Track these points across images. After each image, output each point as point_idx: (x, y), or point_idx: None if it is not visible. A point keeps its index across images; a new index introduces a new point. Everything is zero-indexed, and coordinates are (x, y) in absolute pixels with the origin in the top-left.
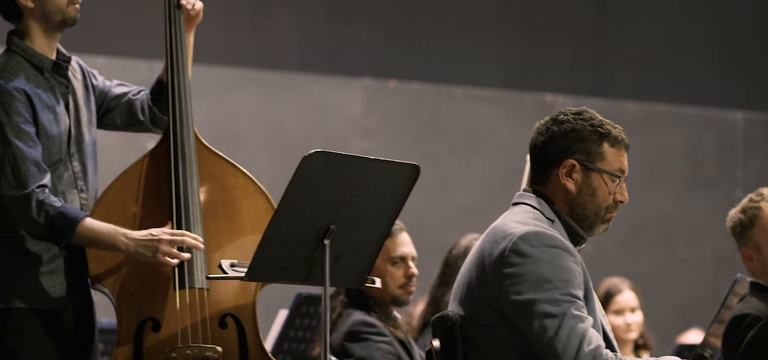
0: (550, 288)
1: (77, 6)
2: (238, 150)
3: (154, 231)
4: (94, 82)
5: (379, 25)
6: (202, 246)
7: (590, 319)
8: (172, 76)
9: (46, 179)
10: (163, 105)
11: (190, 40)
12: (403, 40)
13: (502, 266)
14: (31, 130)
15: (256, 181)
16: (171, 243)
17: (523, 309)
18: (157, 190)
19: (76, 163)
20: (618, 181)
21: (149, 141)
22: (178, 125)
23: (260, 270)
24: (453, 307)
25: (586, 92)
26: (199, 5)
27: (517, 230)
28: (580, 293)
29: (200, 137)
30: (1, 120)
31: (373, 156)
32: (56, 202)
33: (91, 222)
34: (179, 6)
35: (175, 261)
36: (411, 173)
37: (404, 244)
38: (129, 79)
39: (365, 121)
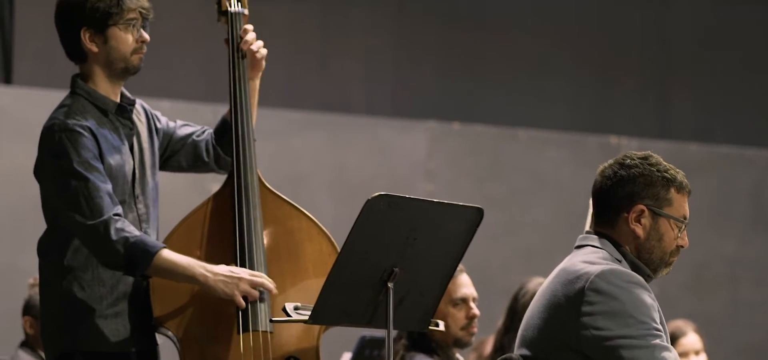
0: (634, 323)
1: (141, 55)
2: (302, 193)
3: (234, 269)
4: (158, 124)
5: (444, 68)
6: (275, 290)
7: (674, 351)
8: (236, 119)
9: (120, 210)
10: (227, 145)
11: (256, 85)
12: (467, 82)
13: (581, 305)
14: (100, 166)
15: (320, 224)
16: (251, 283)
17: (610, 346)
18: (221, 234)
19: (140, 206)
20: (682, 226)
21: (213, 184)
22: (241, 168)
23: (324, 313)
24: (520, 351)
25: (651, 134)
26: (263, 51)
27: (593, 269)
28: (661, 327)
29: (264, 180)
30: (71, 157)
31: (436, 198)
32: (135, 230)
33: (169, 252)
34: (244, 52)
35: (242, 302)
36: (474, 216)
37: (465, 285)
38: (194, 122)
39: (429, 163)
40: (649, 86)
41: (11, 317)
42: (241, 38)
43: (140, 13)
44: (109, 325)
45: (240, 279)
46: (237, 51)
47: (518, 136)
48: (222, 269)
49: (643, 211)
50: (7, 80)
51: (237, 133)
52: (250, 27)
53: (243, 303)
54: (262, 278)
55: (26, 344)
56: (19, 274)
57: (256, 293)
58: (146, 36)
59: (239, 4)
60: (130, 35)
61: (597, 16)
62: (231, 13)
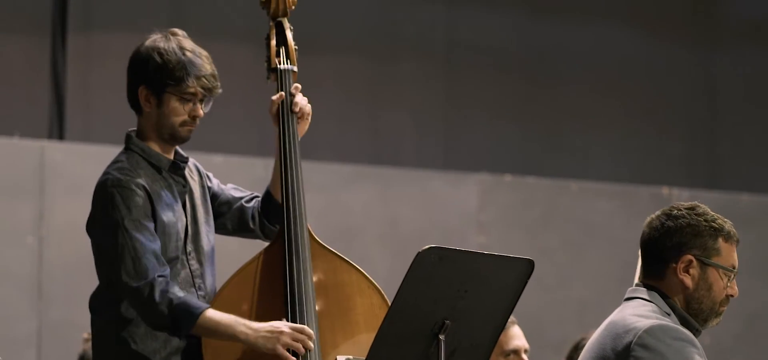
0: None
1: (191, 128)
2: (354, 246)
3: (275, 323)
4: (209, 184)
5: (495, 121)
6: (312, 345)
7: None
8: (285, 174)
9: (167, 271)
10: (273, 217)
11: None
12: (517, 134)
13: None
14: (151, 225)
15: (370, 278)
16: (292, 336)
17: None
18: (272, 288)
19: (193, 262)
20: (731, 276)
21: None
22: (291, 223)
23: None
24: None
25: (702, 185)
26: (307, 108)
27: (641, 324)
28: None
29: (313, 234)
30: (122, 213)
31: (489, 251)
32: (179, 291)
33: (212, 312)
34: (292, 109)
35: (291, 355)
36: (526, 268)
37: (516, 337)
38: (245, 177)
39: (481, 215)
40: (698, 136)
41: None
42: (292, 96)
43: (203, 89)
44: None
45: (281, 332)
46: (286, 108)
47: (570, 188)
48: (263, 326)
49: (691, 262)
50: (61, 136)
51: (287, 188)
52: (298, 87)
53: (289, 356)
54: (304, 329)
55: None
56: (74, 329)
57: (300, 346)
58: (201, 112)
59: (288, 61)
60: (184, 107)
61: (646, 67)
62: (280, 71)
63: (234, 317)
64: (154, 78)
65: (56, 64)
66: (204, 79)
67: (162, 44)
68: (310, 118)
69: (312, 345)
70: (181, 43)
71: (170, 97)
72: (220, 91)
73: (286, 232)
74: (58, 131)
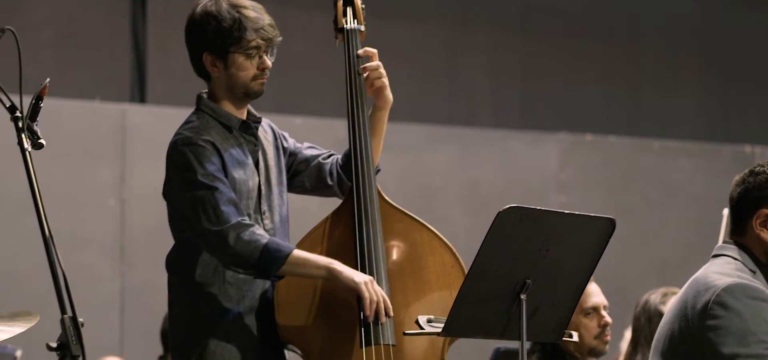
0: (755, 342)
1: (263, 81)
2: (434, 207)
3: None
4: (285, 144)
5: (574, 80)
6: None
7: None
8: (353, 134)
9: (247, 219)
10: (351, 172)
11: (382, 117)
12: (598, 93)
13: (706, 318)
14: (224, 178)
15: (441, 236)
16: (380, 295)
17: None
18: (342, 250)
19: (267, 221)
20: None
21: None
22: (361, 184)
23: (457, 325)
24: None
25: None
26: (380, 83)
27: (721, 282)
28: None
29: (383, 195)
30: (196, 170)
31: (569, 210)
32: (264, 233)
33: (300, 251)
34: (358, 71)
35: (367, 292)
36: (607, 227)
37: (595, 294)
38: (326, 138)
39: (561, 175)
40: None
41: (151, 334)
42: (358, 56)
43: (265, 41)
44: (236, 340)
45: (372, 282)
46: (353, 68)
47: (651, 147)
48: (354, 270)
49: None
50: (142, 99)
51: (355, 147)
52: (374, 52)
53: (366, 294)
54: (387, 303)
55: (164, 358)
56: (156, 290)
57: (380, 306)
58: (268, 62)
59: (355, 21)
60: (251, 62)
61: (729, 25)
62: (347, 31)
63: (325, 258)
64: (215, 43)
65: (136, 27)
66: (263, 30)
67: (213, 8)
68: (384, 80)
69: (385, 319)
70: (230, 0)
71: (235, 56)
72: (280, 38)
73: (355, 193)
74: (138, 94)
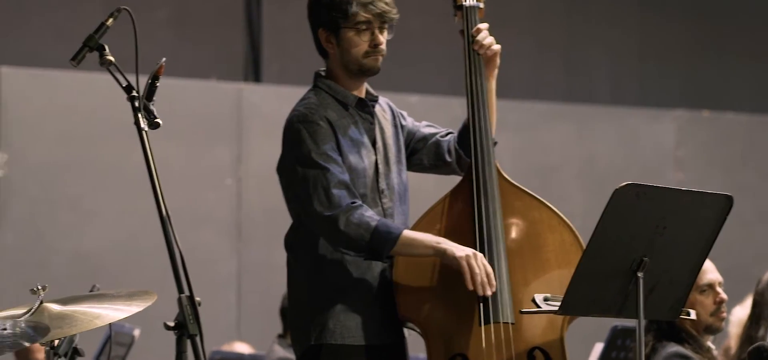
0: None
1: (377, 58)
2: (551, 184)
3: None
4: (403, 122)
5: (692, 56)
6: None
7: None
8: (472, 111)
9: (359, 201)
10: (469, 148)
11: (492, 85)
12: (716, 70)
13: None
14: (339, 158)
15: (560, 214)
16: (484, 268)
17: None
18: (461, 228)
19: (386, 200)
20: None
21: None
22: (479, 162)
23: (574, 303)
24: None
25: None
26: (495, 47)
27: None
28: None
29: (502, 172)
30: (309, 148)
31: (686, 187)
32: (375, 214)
33: (410, 231)
34: (473, 48)
35: (467, 266)
36: (724, 204)
37: (710, 270)
38: (442, 116)
39: (679, 152)
40: None
41: (268, 313)
42: (473, 35)
43: (375, 16)
44: (355, 319)
45: (476, 255)
46: (472, 45)
47: None
48: (460, 246)
49: None
50: (257, 78)
51: (474, 126)
52: (483, 26)
53: (467, 268)
54: (492, 276)
55: (283, 337)
56: (275, 270)
57: (484, 280)
58: (381, 38)
59: None
60: (362, 38)
61: None
62: (466, 8)
63: (433, 236)
64: (327, 19)
65: (251, 6)
66: (371, 6)
67: None
68: (498, 56)
69: (489, 292)
70: None
71: (345, 31)
72: (395, 14)
73: (474, 171)
74: (254, 74)
